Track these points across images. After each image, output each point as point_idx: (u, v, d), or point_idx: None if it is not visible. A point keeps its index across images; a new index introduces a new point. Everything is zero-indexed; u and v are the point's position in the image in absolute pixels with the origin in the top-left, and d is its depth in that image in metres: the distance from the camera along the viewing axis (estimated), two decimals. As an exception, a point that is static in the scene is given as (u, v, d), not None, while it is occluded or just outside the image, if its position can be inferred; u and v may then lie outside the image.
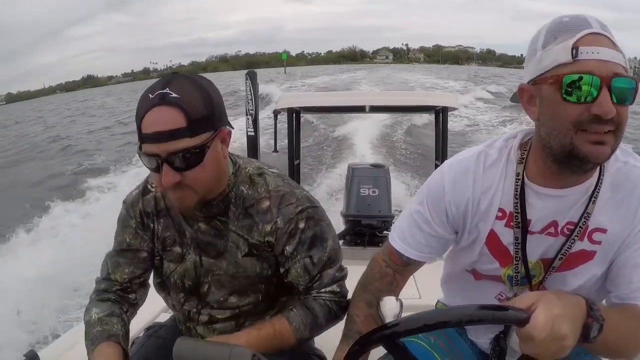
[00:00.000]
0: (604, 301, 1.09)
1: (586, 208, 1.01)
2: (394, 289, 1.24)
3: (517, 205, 1.05)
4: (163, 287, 1.35)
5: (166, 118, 1.02)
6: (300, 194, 1.26)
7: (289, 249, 1.23)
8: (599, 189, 1.00)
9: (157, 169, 1.06)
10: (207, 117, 1.07)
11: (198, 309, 1.32)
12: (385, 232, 3.44)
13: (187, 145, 1.04)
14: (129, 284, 1.31)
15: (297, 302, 1.28)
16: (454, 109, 3.41)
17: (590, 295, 0.91)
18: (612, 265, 1.03)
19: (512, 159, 1.07)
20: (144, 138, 1.05)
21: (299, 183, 3.14)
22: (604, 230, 1.02)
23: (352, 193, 3.49)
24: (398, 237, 1.22)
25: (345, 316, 1.26)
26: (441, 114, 3.38)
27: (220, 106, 1.13)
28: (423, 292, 2.30)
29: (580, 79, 0.87)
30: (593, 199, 1.00)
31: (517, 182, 1.05)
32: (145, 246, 1.31)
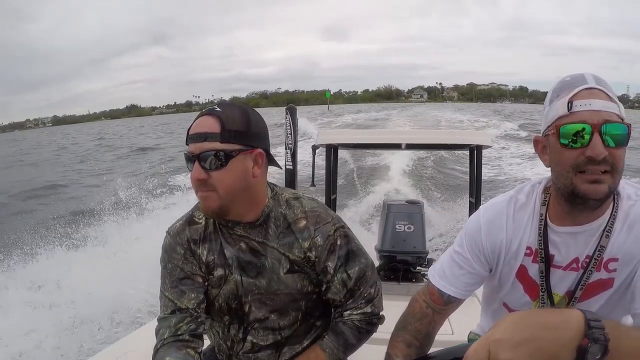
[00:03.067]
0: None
1: (600, 241, 1.08)
2: (432, 330, 1.27)
3: (540, 242, 1.14)
4: (207, 314, 1.36)
5: (206, 123, 1.20)
6: (334, 214, 1.36)
7: (330, 264, 1.30)
8: (611, 225, 1.08)
9: (191, 166, 1.20)
10: (241, 132, 1.21)
11: (242, 333, 1.34)
12: (419, 267, 3.35)
13: (216, 147, 1.18)
14: (198, 309, 1.30)
15: (329, 329, 1.36)
16: (488, 146, 3.35)
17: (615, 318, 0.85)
18: (632, 286, 1.06)
19: (538, 202, 1.18)
20: (188, 138, 1.21)
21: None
22: (616, 259, 1.08)
23: (388, 229, 3.42)
24: (439, 277, 1.27)
25: (385, 356, 1.24)
26: (475, 151, 3.33)
27: (260, 130, 1.26)
28: (455, 327, 2.26)
29: (575, 128, 0.99)
30: (606, 233, 1.08)
31: (541, 222, 1.15)
32: (197, 271, 1.32)
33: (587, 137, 0.98)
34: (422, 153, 11.71)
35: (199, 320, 1.29)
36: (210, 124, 1.19)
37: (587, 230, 1.10)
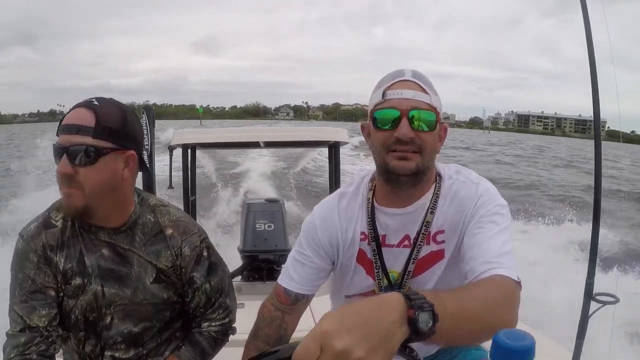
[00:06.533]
0: None
1: (425, 217, 1.17)
2: (285, 332, 1.28)
3: (370, 224, 1.20)
4: (62, 328, 1.22)
5: (80, 115, 1.11)
6: (199, 225, 1.34)
7: (197, 275, 1.27)
8: (435, 203, 1.17)
9: (58, 159, 1.10)
10: (116, 131, 1.13)
11: (99, 349, 1.23)
12: (282, 265, 3.25)
13: (87, 142, 1.09)
14: (49, 328, 1.17)
15: (186, 339, 1.33)
16: (345, 143, 3.38)
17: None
18: (462, 247, 1.11)
19: (365, 190, 1.24)
20: (59, 129, 1.12)
21: (195, 219, 2.92)
22: (442, 231, 1.17)
23: (249, 228, 3.33)
24: (285, 277, 1.28)
25: None
26: (334, 148, 3.37)
27: (135, 133, 1.19)
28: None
29: (385, 113, 1.09)
30: (431, 209, 1.17)
31: (369, 206, 1.22)
32: (51, 282, 1.19)
33: (395, 120, 1.08)
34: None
35: (50, 340, 1.16)
36: (85, 117, 1.10)
37: (413, 210, 1.17)
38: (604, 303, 1.48)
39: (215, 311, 1.33)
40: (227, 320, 1.35)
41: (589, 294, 1.53)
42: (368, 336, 0.61)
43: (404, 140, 1.07)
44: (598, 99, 1.60)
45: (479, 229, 1.08)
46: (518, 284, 0.94)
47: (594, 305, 1.52)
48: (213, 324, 1.33)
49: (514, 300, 0.91)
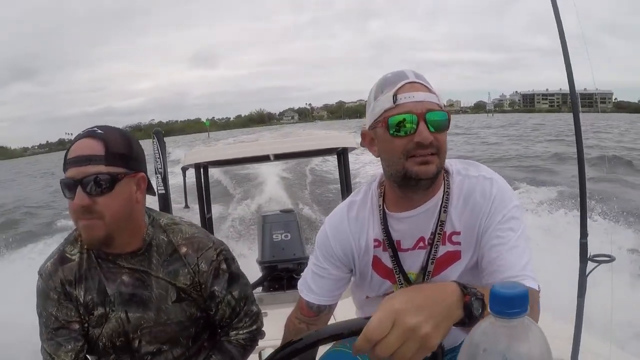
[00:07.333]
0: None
1: (439, 217, 1.15)
2: None
3: (384, 231, 1.19)
4: (92, 354, 1.25)
5: (88, 145, 1.10)
6: (214, 238, 1.32)
7: (217, 288, 1.26)
8: (447, 201, 1.15)
9: (72, 193, 1.08)
10: (125, 155, 1.14)
11: None
12: (302, 274, 3.27)
13: (101, 170, 1.09)
14: None
15: (215, 348, 1.33)
16: (353, 148, 3.37)
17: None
18: (483, 259, 1.10)
19: (375, 197, 1.23)
20: (66, 163, 1.11)
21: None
22: (458, 232, 1.15)
23: (266, 240, 3.39)
24: (306, 290, 1.28)
25: None
26: (342, 154, 3.38)
27: (139, 155, 1.20)
28: None
29: (403, 118, 1.04)
30: (444, 209, 1.15)
31: (380, 213, 1.20)
32: (74, 316, 1.20)
33: (413, 125, 1.04)
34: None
35: None
36: (93, 146, 1.10)
37: (425, 210, 1.15)
38: (600, 262, 1.51)
39: (242, 320, 1.33)
40: (254, 327, 1.36)
41: (584, 254, 1.56)
42: (434, 315, 0.71)
43: (425, 144, 1.04)
44: (572, 72, 1.62)
45: (498, 238, 1.07)
46: (538, 292, 1.02)
47: (591, 265, 1.56)
48: (241, 332, 1.33)
49: (536, 308, 1.00)
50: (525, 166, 13.82)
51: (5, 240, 7.91)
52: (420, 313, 0.70)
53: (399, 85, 1.06)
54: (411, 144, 1.05)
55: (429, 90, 1.08)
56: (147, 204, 1.30)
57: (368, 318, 0.71)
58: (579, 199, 1.68)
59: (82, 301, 1.20)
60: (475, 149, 20.57)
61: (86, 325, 1.21)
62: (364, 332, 0.69)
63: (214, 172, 10.27)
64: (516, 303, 0.55)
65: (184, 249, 1.24)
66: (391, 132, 1.06)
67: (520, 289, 0.56)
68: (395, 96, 1.05)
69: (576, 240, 1.60)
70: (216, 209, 7.48)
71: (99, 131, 1.12)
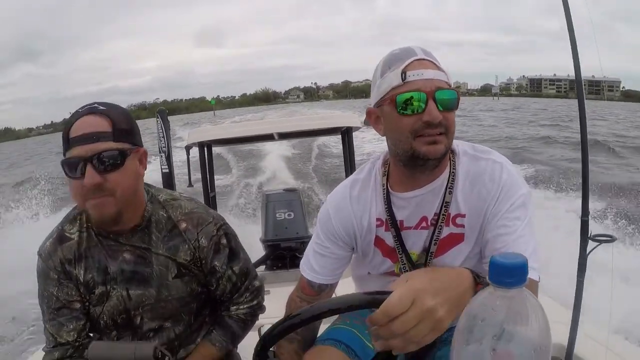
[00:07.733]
0: None
1: (444, 198, 1.12)
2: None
3: (387, 211, 1.17)
4: (94, 331, 1.26)
5: (93, 123, 1.07)
6: (214, 213, 1.31)
7: (217, 264, 1.26)
8: (452, 182, 1.12)
9: (80, 173, 1.06)
10: (129, 130, 1.13)
11: None
12: (304, 253, 3.30)
13: (111, 147, 1.07)
14: (79, 340, 1.20)
15: (216, 323, 1.34)
16: (357, 128, 3.37)
17: None
18: (487, 246, 1.09)
19: (379, 175, 1.20)
20: (70, 142, 1.07)
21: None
22: (463, 215, 1.12)
23: (269, 218, 3.40)
24: (308, 269, 1.27)
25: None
26: (347, 134, 3.36)
27: (138, 130, 1.19)
28: None
29: (411, 96, 1.01)
30: (449, 189, 1.12)
31: (384, 192, 1.18)
32: (74, 295, 1.20)
33: (422, 104, 1.01)
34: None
35: (82, 348, 1.19)
36: (99, 123, 1.07)
37: (430, 190, 1.13)
38: (601, 242, 1.51)
39: (243, 295, 1.33)
40: (255, 302, 1.36)
41: (585, 232, 1.56)
42: (449, 299, 0.73)
43: (434, 123, 1.01)
44: (578, 57, 1.59)
45: (504, 227, 1.05)
46: (537, 282, 1.01)
47: (591, 245, 1.56)
48: (241, 307, 1.33)
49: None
50: (511, 147, 14.00)
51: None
52: (438, 296, 0.71)
53: (407, 62, 1.03)
54: (419, 123, 1.02)
55: (437, 67, 1.04)
56: (153, 183, 1.30)
57: (387, 293, 0.71)
58: (581, 179, 1.65)
59: (82, 280, 1.20)
60: (469, 130, 20.90)
61: (87, 304, 1.22)
62: (384, 306, 0.69)
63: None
64: (515, 272, 0.56)
65: (183, 225, 1.23)
66: (399, 110, 1.03)
67: (520, 259, 0.56)
68: (403, 73, 1.02)
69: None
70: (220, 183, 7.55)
71: (101, 107, 1.10)
